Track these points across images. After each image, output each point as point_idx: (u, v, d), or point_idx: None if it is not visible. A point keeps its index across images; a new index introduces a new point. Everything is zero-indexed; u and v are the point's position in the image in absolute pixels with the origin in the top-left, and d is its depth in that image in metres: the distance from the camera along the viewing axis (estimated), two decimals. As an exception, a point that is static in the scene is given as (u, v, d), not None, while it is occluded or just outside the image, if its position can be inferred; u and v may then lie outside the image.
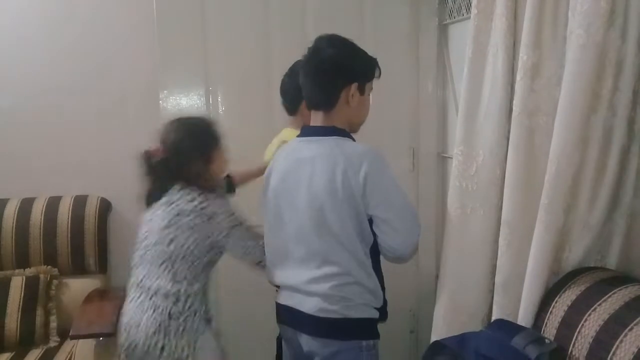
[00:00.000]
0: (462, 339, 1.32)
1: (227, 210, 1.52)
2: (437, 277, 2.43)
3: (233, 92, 2.29)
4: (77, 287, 2.13)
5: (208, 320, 1.54)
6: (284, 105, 1.82)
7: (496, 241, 1.46)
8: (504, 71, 1.46)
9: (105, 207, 2.26)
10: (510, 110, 1.43)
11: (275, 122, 2.21)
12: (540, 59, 1.39)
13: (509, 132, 1.43)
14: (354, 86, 1.41)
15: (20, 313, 2.02)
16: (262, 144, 2.02)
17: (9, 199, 2.21)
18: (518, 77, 1.39)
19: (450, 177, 2.31)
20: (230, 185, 1.78)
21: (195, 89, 2.24)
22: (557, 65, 1.36)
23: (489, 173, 1.47)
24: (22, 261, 2.14)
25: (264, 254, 1.52)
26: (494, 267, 1.48)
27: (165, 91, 2.20)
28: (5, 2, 2.28)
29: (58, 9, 2.31)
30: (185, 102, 2.23)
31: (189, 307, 1.46)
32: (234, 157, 2.16)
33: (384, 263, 2.42)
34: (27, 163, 2.30)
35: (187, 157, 1.53)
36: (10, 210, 2.16)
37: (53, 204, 2.20)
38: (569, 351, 1.29)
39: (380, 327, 2.43)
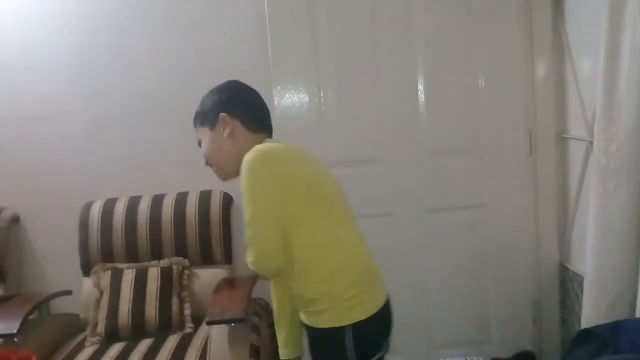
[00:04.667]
0: (614, 327, 1.26)
1: None
2: (560, 264, 2.34)
3: (342, 91, 2.32)
4: (206, 276, 2.25)
5: None
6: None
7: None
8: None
9: (227, 201, 2.37)
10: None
11: (383, 120, 2.28)
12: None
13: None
14: None
15: (158, 301, 2.17)
16: (366, 143, 2.23)
17: (141, 196, 2.38)
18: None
19: (571, 159, 2.25)
20: None
21: (306, 87, 2.29)
22: None
23: (633, 148, 1.39)
24: (156, 253, 2.29)
25: None
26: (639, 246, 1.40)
27: (278, 88, 2.28)
28: (126, 11, 2.46)
29: (170, 10, 2.44)
30: (297, 99, 2.30)
31: None
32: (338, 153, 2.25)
33: (503, 243, 2.35)
34: (155, 162, 2.47)
35: None
36: (144, 207, 2.33)
37: (181, 199, 2.34)
38: None
39: (501, 316, 2.40)
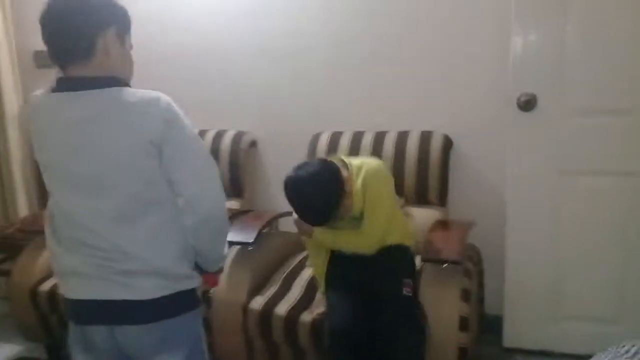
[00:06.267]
0: None
1: None
2: None
3: (592, 28, 2.05)
4: (421, 215, 2.26)
5: None
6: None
7: None
8: None
9: (447, 144, 2.34)
10: None
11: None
12: None
13: None
14: (112, 33, 1.25)
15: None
16: (618, 91, 2.01)
17: (364, 131, 2.45)
18: None
19: None
20: None
21: (550, 21, 2.07)
22: None
23: None
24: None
25: None
26: None
27: (518, 23, 2.11)
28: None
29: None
30: (536, 40, 2.10)
31: None
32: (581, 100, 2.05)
33: None
34: (381, 99, 2.53)
35: None
36: (367, 142, 2.40)
37: (402, 138, 2.37)
38: None
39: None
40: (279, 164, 2.73)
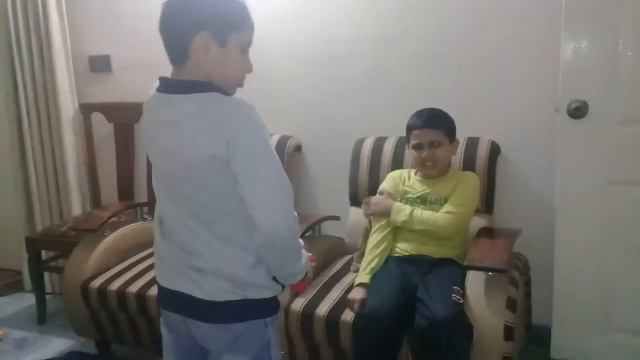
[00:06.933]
0: None
1: None
2: None
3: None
4: (467, 223, 2.24)
5: None
6: None
7: None
8: None
9: (495, 150, 2.30)
10: None
11: None
12: None
13: None
14: (204, 35, 1.19)
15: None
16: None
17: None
18: None
19: None
20: None
21: (602, 30, 2.00)
22: None
23: None
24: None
25: None
26: None
27: (567, 33, 2.06)
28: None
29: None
30: (587, 45, 2.04)
31: None
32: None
33: None
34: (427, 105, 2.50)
35: None
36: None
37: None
38: None
39: None
40: (322, 168, 2.78)
